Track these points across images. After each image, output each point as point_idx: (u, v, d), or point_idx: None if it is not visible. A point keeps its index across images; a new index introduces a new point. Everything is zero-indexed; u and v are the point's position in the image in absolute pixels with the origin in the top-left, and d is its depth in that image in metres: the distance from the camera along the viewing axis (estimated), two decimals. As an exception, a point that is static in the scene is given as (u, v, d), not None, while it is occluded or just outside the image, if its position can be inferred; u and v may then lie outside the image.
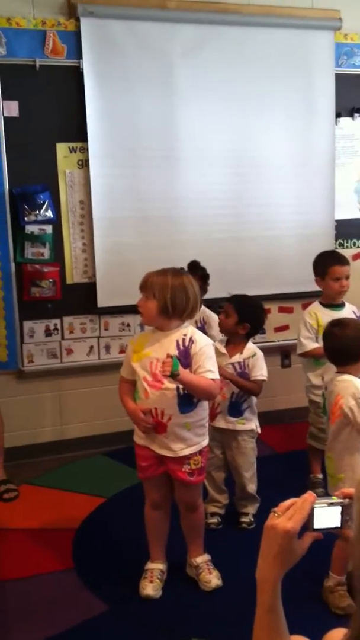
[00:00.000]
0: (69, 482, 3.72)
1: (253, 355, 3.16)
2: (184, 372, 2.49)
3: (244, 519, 3.20)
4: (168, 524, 2.80)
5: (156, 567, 2.77)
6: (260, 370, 3.15)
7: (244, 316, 3.14)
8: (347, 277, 3.47)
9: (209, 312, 3.63)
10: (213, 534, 3.14)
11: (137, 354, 2.63)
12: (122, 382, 2.72)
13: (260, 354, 3.20)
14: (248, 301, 3.24)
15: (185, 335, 2.60)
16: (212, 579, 2.73)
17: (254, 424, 3.20)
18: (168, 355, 2.48)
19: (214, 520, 3.22)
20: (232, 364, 3.14)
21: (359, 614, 0.94)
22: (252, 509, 3.23)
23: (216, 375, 2.61)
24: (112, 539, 3.08)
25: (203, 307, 3.62)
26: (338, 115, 4.45)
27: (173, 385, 2.54)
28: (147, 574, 2.74)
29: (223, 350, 3.16)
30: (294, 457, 3.16)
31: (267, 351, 4.37)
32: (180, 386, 2.53)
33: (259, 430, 3.23)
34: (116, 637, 2.44)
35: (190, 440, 2.62)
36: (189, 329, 2.64)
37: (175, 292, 2.56)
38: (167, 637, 2.42)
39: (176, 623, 2.50)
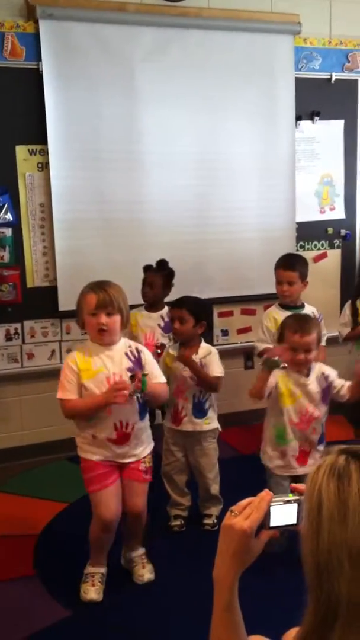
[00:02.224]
0: (31, 488, 3.68)
1: (209, 354, 3.17)
2: (149, 386, 2.59)
3: (208, 521, 3.21)
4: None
5: (98, 571, 2.76)
6: (217, 367, 3.16)
7: (200, 316, 3.16)
8: (290, 283, 3.54)
9: None
10: (177, 536, 3.15)
11: (86, 372, 2.62)
12: (67, 403, 2.63)
13: (214, 351, 3.21)
14: (198, 301, 3.27)
15: (130, 346, 2.70)
16: (145, 573, 2.79)
17: (216, 422, 3.23)
18: (138, 374, 2.56)
19: (177, 522, 3.22)
20: (191, 377, 3.13)
21: (311, 610, 0.94)
22: (215, 510, 3.23)
23: (164, 379, 2.79)
24: (74, 544, 3.04)
25: (166, 307, 3.67)
26: (298, 118, 4.50)
27: (134, 399, 2.62)
28: (88, 578, 2.74)
29: (177, 353, 3.16)
30: (258, 458, 3.20)
31: (230, 353, 4.42)
32: (140, 396, 2.62)
33: (220, 428, 3.25)
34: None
35: (146, 441, 2.77)
36: (126, 340, 2.74)
37: (127, 303, 2.67)
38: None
39: (138, 629, 2.49)
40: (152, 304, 3.72)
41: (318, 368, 2.92)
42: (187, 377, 3.12)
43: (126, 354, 2.67)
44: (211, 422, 3.20)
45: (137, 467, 2.72)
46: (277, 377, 2.87)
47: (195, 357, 3.14)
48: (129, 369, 2.63)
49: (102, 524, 2.67)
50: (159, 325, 3.69)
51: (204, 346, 3.19)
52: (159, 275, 3.67)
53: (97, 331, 2.61)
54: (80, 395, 2.63)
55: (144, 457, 2.74)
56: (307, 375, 2.88)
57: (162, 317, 3.70)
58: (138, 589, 2.75)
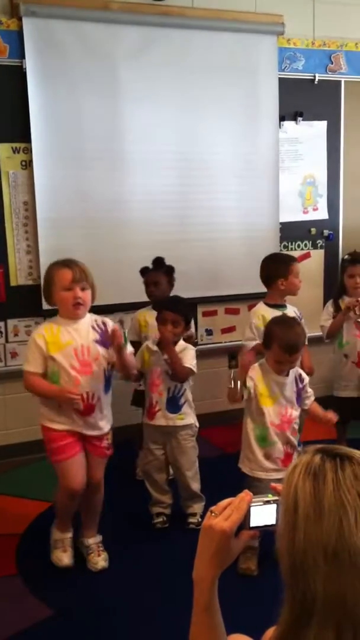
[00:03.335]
0: (14, 488, 3.67)
1: (184, 349, 3.19)
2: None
3: (192, 520, 3.22)
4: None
5: (66, 536, 2.90)
6: (191, 360, 3.17)
7: (188, 318, 3.22)
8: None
9: None
10: (161, 534, 3.15)
11: (54, 345, 2.72)
12: (30, 376, 2.75)
13: (190, 347, 3.23)
14: (184, 302, 3.30)
15: (95, 320, 2.82)
16: (100, 560, 2.88)
17: (192, 419, 3.23)
18: (115, 329, 2.71)
19: (160, 519, 3.23)
20: (166, 360, 3.15)
21: (287, 608, 0.95)
22: (198, 508, 3.24)
23: (132, 349, 2.91)
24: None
25: None
26: (282, 119, 4.52)
27: (100, 369, 2.76)
28: (59, 544, 2.87)
29: (155, 348, 3.18)
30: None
31: (214, 352, 4.43)
32: (105, 368, 2.77)
33: (197, 425, 3.26)
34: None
35: (109, 416, 2.89)
36: (91, 315, 2.83)
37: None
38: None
39: (121, 627, 2.49)
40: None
41: (295, 369, 2.94)
42: (162, 370, 3.15)
43: (92, 327, 2.79)
44: (186, 418, 3.20)
45: (101, 443, 2.85)
46: (256, 377, 2.87)
47: None
48: (97, 342, 2.77)
49: (68, 494, 2.80)
50: None
51: (180, 343, 3.22)
52: (160, 273, 3.67)
53: (73, 305, 2.71)
54: (46, 367, 2.72)
55: (107, 434, 2.87)
56: (287, 374, 2.90)
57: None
58: (124, 587, 2.75)
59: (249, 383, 2.85)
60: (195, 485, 3.24)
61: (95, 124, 4.01)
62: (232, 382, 2.85)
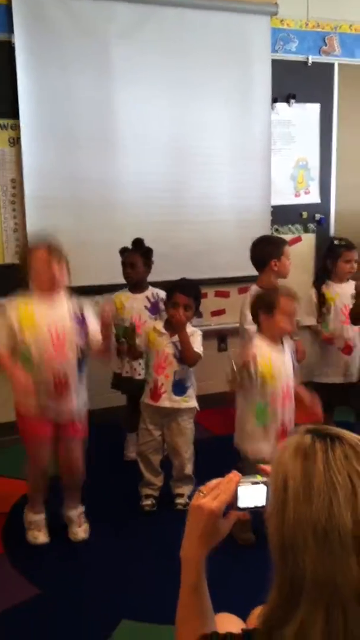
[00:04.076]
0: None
1: (192, 334, 3.18)
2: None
3: (180, 500, 3.23)
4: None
5: (40, 517, 2.93)
6: (199, 345, 3.18)
7: (199, 301, 3.21)
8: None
9: (156, 289, 3.64)
10: (148, 515, 3.17)
11: (27, 324, 2.70)
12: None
13: (199, 332, 3.24)
14: (195, 285, 3.27)
15: (72, 304, 2.81)
16: (80, 532, 2.94)
17: (195, 402, 3.24)
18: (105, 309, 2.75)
19: (148, 502, 3.24)
20: (174, 343, 3.14)
21: (276, 587, 0.95)
22: (187, 490, 3.25)
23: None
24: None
25: (150, 287, 3.67)
26: (274, 101, 4.48)
27: (74, 350, 2.75)
28: (33, 525, 2.91)
29: (163, 330, 3.17)
30: (231, 439, 3.23)
31: (204, 335, 4.40)
32: (79, 350, 2.76)
33: (198, 408, 3.27)
34: (49, 621, 2.42)
35: (82, 399, 2.88)
36: (66, 295, 2.82)
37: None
38: (99, 620, 2.41)
39: (107, 605, 2.50)
40: (136, 285, 3.67)
41: (289, 341, 2.97)
42: (170, 353, 3.14)
43: (68, 309, 2.79)
44: (190, 401, 3.21)
45: (76, 424, 2.86)
46: (260, 351, 2.81)
47: None
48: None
49: (38, 471, 2.85)
50: (145, 307, 3.65)
51: (187, 326, 3.20)
52: (138, 255, 3.63)
53: (49, 279, 2.70)
54: (14, 342, 2.70)
55: (81, 415, 2.87)
56: (283, 345, 2.90)
57: (148, 298, 3.66)
58: (111, 567, 2.76)
59: (252, 368, 2.78)
60: (190, 467, 3.25)
61: (86, 102, 3.96)
62: (234, 371, 2.78)
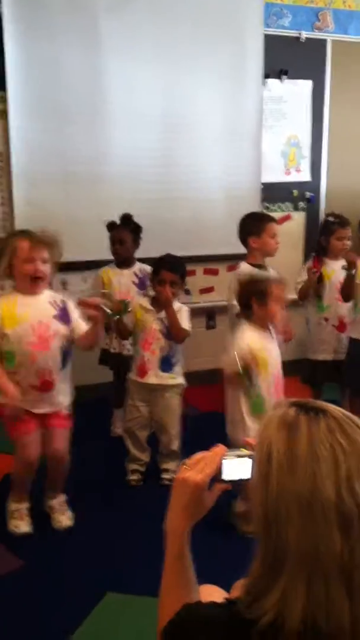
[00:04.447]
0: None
1: (179, 310, 3.19)
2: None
3: (166, 475, 3.25)
4: None
5: (23, 506, 2.87)
6: (186, 322, 3.18)
7: (184, 277, 3.21)
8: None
9: (144, 265, 3.63)
10: (134, 490, 3.19)
11: (10, 320, 2.64)
12: None
13: (185, 308, 3.24)
14: (181, 261, 3.25)
15: (54, 297, 2.76)
16: (64, 519, 2.89)
17: (182, 378, 3.25)
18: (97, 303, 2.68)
19: (135, 477, 3.26)
20: (161, 319, 3.15)
21: (259, 558, 0.96)
22: (173, 465, 3.26)
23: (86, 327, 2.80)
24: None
25: (138, 263, 3.66)
26: (266, 76, 4.44)
27: (57, 345, 2.69)
28: (16, 514, 2.86)
29: (149, 307, 3.17)
30: (219, 417, 3.25)
31: (192, 313, 4.38)
32: (63, 345, 2.71)
33: (185, 384, 3.27)
34: (33, 593, 2.44)
35: (68, 390, 2.85)
36: (49, 291, 2.77)
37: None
38: (84, 592, 2.44)
39: (92, 578, 2.52)
40: (123, 261, 3.66)
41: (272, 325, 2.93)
42: (157, 329, 3.14)
43: (50, 303, 2.74)
44: (176, 378, 3.22)
45: (61, 416, 2.82)
46: (249, 344, 2.77)
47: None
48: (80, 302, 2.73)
49: (25, 466, 2.79)
50: (132, 282, 3.64)
51: (175, 303, 3.21)
52: (127, 231, 3.61)
53: (32, 279, 2.64)
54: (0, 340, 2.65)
55: (66, 407, 2.84)
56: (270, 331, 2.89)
57: (136, 274, 3.65)
58: (96, 541, 2.78)
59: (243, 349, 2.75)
60: (176, 443, 3.26)
61: (75, 75, 3.91)
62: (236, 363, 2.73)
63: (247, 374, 2.73)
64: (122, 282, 3.62)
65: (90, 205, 4.00)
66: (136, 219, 3.67)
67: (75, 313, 2.79)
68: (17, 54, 3.74)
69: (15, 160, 3.83)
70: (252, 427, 2.79)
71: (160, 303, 3.12)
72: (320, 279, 3.75)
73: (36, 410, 2.74)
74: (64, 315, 2.74)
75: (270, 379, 2.82)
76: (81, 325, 2.78)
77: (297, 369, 3.92)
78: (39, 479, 2.89)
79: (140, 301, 3.24)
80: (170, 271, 3.11)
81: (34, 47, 3.79)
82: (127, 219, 3.61)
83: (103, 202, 4.02)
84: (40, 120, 3.86)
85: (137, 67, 4.04)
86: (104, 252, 3.77)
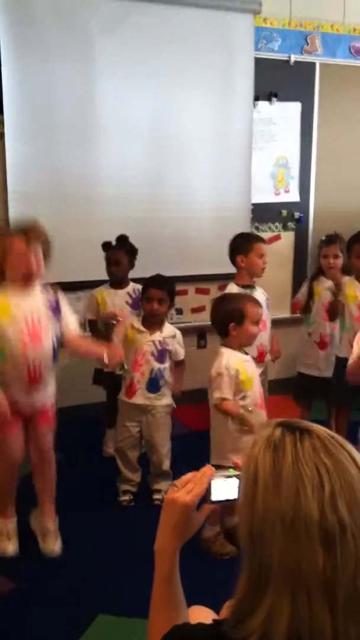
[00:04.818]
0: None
1: (174, 336, 3.24)
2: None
3: (157, 496, 3.25)
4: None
5: (10, 523, 2.83)
6: (182, 350, 3.27)
7: (174, 297, 3.25)
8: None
9: (137, 285, 3.65)
10: (126, 510, 3.18)
11: (3, 313, 2.61)
12: None
13: (179, 334, 3.29)
14: (172, 281, 3.30)
15: (47, 293, 2.72)
16: (55, 546, 2.80)
17: (169, 399, 3.26)
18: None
19: (126, 497, 3.26)
20: (153, 341, 3.17)
21: (244, 576, 0.97)
22: (165, 485, 3.27)
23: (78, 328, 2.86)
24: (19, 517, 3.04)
25: (132, 283, 3.68)
26: (256, 98, 4.50)
27: (49, 340, 2.67)
28: (3, 533, 2.81)
29: (142, 328, 3.18)
30: (208, 434, 3.28)
31: (184, 332, 4.40)
32: (55, 339, 2.69)
33: (174, 404, 3.28)
34: (25, 615, 2.43)
35: (53, 387, 2.82)
36: (40, 285, 2.72)
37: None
38: (75, 614, 2.42)
39: (84, 600, 2.51)
40: (118, 282, 3.68)
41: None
42: (148, 351, 3.17)
43: (42, 299, 2.70)
44: (163, 399, 3.24)
45: (46, 413, 2.79)
46: (235, 366, 2.80)
47: (159, 336, 3.20)
48: None
49: (9, 466, 2.75)
50: (126, 302, 3.66)
51: (168, 326, 3.26)
52: (123, 252, 3.64)
53: (26, 274, 2.61)
54: None
55: (52, 403, 2.82)
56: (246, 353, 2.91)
57: (129, 294, 3.68)
58: (88, 562, 2.77)
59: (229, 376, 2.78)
60: (167, 463, 3.27)
61: (69, 97, 3.96)
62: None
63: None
64: (116, 302, 3.63)
65: (81, 225, 4.03)
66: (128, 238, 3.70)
67: (66, 309, 2.78)
68: (13, 75, 3.79)
69: (10, 181, 3.86)
70: (238, 449, 2.79)
71: (150, 321, 3.15)
72: (311, 297, 3.82)
73: (22, 403, 2.69)
74: (55, 309, 2.73)
75: (257, 398, 2.85)
76: (70, 322, 2.77)
77: (291, 384, 3.98)
78: (24, 492, 2.87)
79: (132, 321, 3.26)
80: (156, 288, 3.14)
81: (29, 69, 3.83)
82: (123, 240, 3.64)
83: (95, 222, 4.06)
84: (34, 141, 3.90)
85: (129, 87, 4.10)
86: (96, 272, 3.80)
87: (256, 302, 2.90)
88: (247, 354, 2.91)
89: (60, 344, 2.76)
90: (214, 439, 2.91)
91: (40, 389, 2.72)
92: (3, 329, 2.60)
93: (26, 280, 2.63)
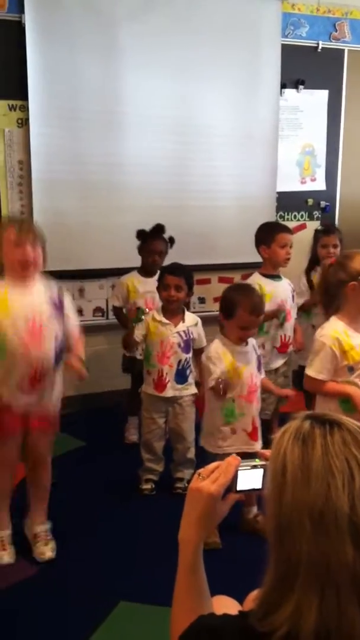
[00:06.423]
0: None
1: (196, 324, 3.22)
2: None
3: (179, 485, 3.24)
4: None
5: (5, 533, 2.73)
6: (203, 336, 3.24)
7: (192, 285, 3.21)
8: (291, 246, 3.52)
9: None
10: (147, 499, 3.18)
11: (2, 309, 2.48)
12: None
13: (200, 321, 3.27)
14: (189, 270, 3.26)
15: (50, 289, 2.61)
16: (47, 551, 2.70)
17: (194, 388, 3.25)
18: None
19: (148, 486, 3.25)
20: (178, 332, 3.16)
21: (272, 570, 0.97)
22: (187, 473, 3.26)
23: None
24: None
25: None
26: (283, 86, 4.46)
27: (51, 337, 2.54)
28: None
29: (165, 320, 3.17)
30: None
31: (207, 320, 4.40)
32: (58, 339, 2.56)
33: (198, 393, 3.28)
34: (46, 601, 2.44)
35: (59, 388, 2.69)
36: (42, 278, 2.62)
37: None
38: (97, 601, 2.44)
39: (106, 586, 2.52)
40: (150, 269, 3.64)
41: (251, 338, 2.90)
42: (174, 342, 3.15)
43: (44, 295, 2.58)
44: (190, 388, 3.23)
45: (46, 417, 2.65)
46: (221, 354, 2.78)
47: (183, 326, 3.18)
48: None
49: (4, 470, 2.67)
50: (157, 289, 3.64)
51: (189, 314, 3.24)
52: (164, 242, 3.63)
53: (21, 262, 2.48)
54: None
55: (55, 406, 2.69)
56: (246, 343, 2.87)
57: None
58: (110, 549, 2.78)
59: (216, 370, 2.75)
60: (192, 451, 3.26)
61: (93, 84, 3.95)
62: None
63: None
64: (148, 289, 3.58)
65: (105, 213, 4.03)
66: (151, 225, 3.68)
67: (70, 305, 2.68)
68: (39, 63, 3.79)
69: (35, 169, 3.86)
70: (223, 436, 2.82)
71: (169, 310, 3.14)
72: (311, 289, 3.75)
73: (22, 403, 2.56)
74: (58, 307, 2.60)
75: (244, 388, 2.81)
76: (71, 320, 2.67)
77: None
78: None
79: (153, 313, 3.24)
80: (173, 275, 3.13)
81: (54, 57, 3.83)
82: (160, 229, 3.62)
83: (119, 210, 4.05)
84: (59, 128, 3.90)
85: (154, 75, 4.07)
86: (119, 260, 3.80)
87: (254, 310, 2.76)
88: (247, 344, 2.86)
89: (63, 345, 2.62)
90: (206, 421, 2.93)
91: (42, 391, 2.59)
92: (3, 327, 2.48)
93: (23, 269, 2.50)
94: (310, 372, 2.48)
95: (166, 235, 3.68)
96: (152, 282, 3.60)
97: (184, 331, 3.18)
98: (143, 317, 3.25)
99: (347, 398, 2.43)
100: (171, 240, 3.66)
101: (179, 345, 3.15)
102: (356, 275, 2.43)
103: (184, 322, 3.19)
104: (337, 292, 2.47)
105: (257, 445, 2.84)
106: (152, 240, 3.62)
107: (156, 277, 3.61)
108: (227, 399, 2.79)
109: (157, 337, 3.16)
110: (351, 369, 2.45)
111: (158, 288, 3.23)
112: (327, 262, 2.58)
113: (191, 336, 3.20)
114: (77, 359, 2.64)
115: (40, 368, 2.53)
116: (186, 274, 3.18)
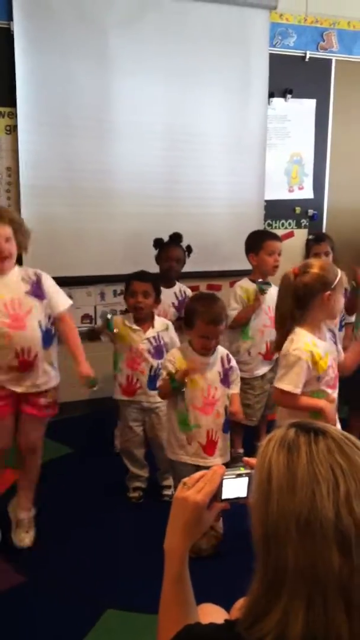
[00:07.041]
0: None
1: (166, 328, 3.21)
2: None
3: (167, 492, 3.24)
4: None
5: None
6: (175, 337, 3.21)
7: (159, 292, 3.19)
8: (279, 254, 3.53)
9: (184, 286, 3.66)
10: (135, 507, 3.18)
11: None
12: None
13: (170, 324, 3.25)
14: (155, 275, 3.27)
15: (26, 271, 2.64)
16: (26, 538, 2.77)
17: None
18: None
19: (136, 494, 3.25)
20: (148, 339, 3.15)
21: (258, 577, 0.97)
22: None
23: (69, 301, 2.76)
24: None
25: (178, 284, 3.66)
26: (271, 95, 4.48)
27: (35, 322, 2.59)
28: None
29: (136, 326, 3.15)
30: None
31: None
32: (42, 321, 2.61)
33: None
34: (34, 609, 2.43)
35: (51, 373, 2.70)
36: (19, 267, 2.65)
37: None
38: (84, 609, 2.43)
39: (93, 594, 2.52)
40: (171, 279, 3.62)
41: (221, 350, 2.87)
42: (144, 349, 3.13)
43: (22, 279, 2.62)
44: None
45: (38, 402, 2.68)
46: (176, 360, 2.78)
47: (152, 332, 3.17)
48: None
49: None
50: (172, 303, 3.60)
51: (158, 319, 3.22)
52: (181, 249, 3.63)
53: None
54: None
55: (47, 392, 2.70)
56: (212, 353, 2.81)
57: (176, 295, 3.63)
58: (97, 557, 2.77)
59: (169, 366, 2.76)
60: None
61: (84, 91, 3.95)
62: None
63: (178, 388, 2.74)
64: (164, 300, 3.45)
65: (95, 220, 4.03)
66: (140, 233, 3.70)
67: (51, 287, 2.69)
68: (27, 70, 3.79)
69: (23, 176, 3.86)
70: (178, 442, 2.80)
71: (136, 317, 3.13)
72: None
73: (15, 389, 2.62)
74: (37, 290, 2.63)
75: (195, 397, 2.76)
76: (60, 300, 2.69)
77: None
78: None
79: (123, 318, 3.21)
80: (140, 280, 3.12)
81: (43, 64, 3.83)
82: (177, 237, 3.63)
83: (108, 217, 4.06)
84: (48, 135, 3.90)
85: (143, 83, 4.09)
86: (108, 267, 3.80)
87: (213, 320, 2.71)
88: (212, 354, 2.81)
89: (51, 327, 2.67)
90: (167, 426, 2.95)
91: (32, 376, 2.63)
92: None
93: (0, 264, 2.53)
94: (285, 386, 2.40)
95: (147, 244, 3.68)
96: (169, 294, 3.57)
97: (154, 337, 3.16)
98: (109, 316, 3.21)
99: (318, 412, 2.41)
100: (189, 249, 3.66)
101: (149, 351, 3.14)
102: (331, 285, 2.41)
103: (153, 327, 3.17)
104: (307, 302, 2.43)
105: (214, 460, 2.74)
106: (169, 247, 3.64)
107: (173, 289, 3.62)
108: (181, 406, 2.77)
109: (126, 342, 3.15)
110: (319, 378, 2.45)
111: (125, 295, 3.21)
112: (289, 273, 2.47)
113: (162, 341, 3.18)
114: (85, 366, 2.70)
115: (28, 350, 2.57)
116: (153, 279, 3.17)
